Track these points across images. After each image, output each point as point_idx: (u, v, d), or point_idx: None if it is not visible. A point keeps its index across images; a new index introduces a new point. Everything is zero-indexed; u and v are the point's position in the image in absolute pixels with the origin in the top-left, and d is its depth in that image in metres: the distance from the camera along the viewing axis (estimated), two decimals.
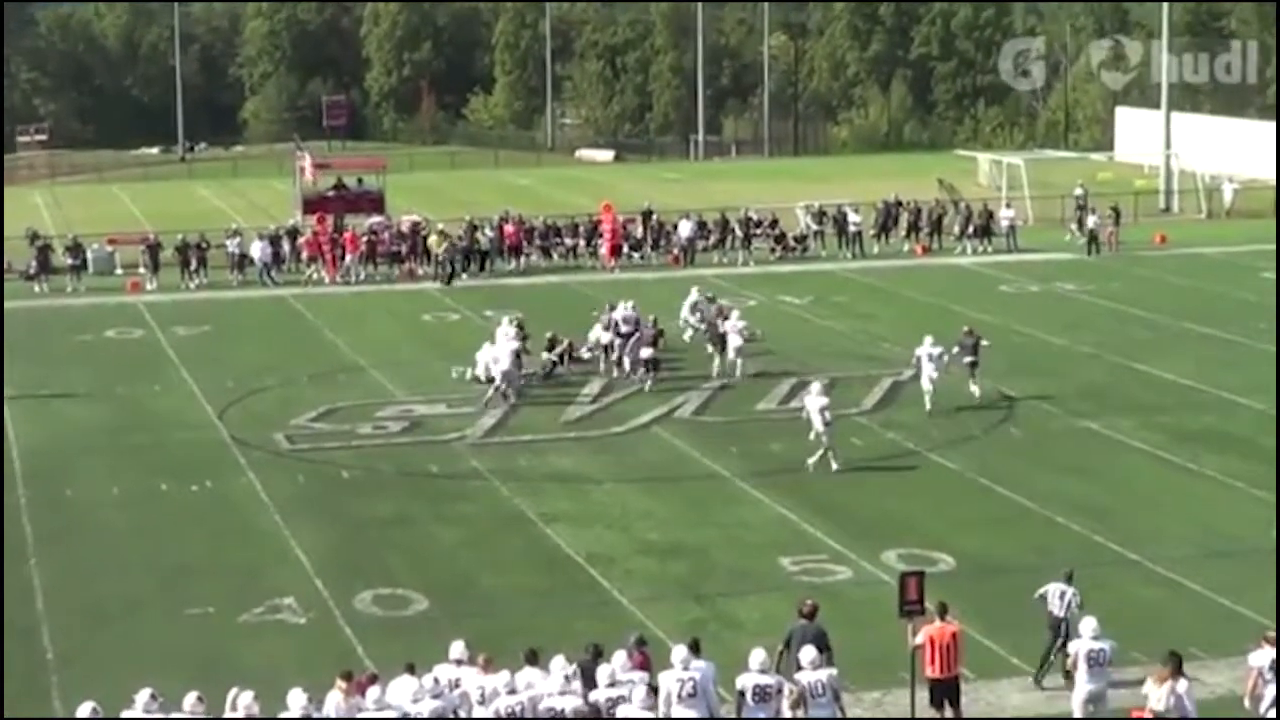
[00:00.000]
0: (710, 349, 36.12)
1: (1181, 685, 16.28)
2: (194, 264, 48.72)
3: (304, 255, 50.21)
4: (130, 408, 33.79)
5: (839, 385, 33.26)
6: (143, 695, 16.07)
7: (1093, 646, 17.53)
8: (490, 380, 33.99)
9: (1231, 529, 24.99)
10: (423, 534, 25.51)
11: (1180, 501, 26.57)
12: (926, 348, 31.84)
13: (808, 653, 16.89)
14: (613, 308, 36.33)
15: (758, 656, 16.76)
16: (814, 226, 54.01)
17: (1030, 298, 45.25)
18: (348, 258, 49.52)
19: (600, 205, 54.75)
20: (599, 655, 17.00)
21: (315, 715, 15.99)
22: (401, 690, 16.34)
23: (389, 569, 23.74)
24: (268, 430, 31.47)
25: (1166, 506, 26.27)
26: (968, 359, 32.55)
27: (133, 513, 26.74)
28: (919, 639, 17.76)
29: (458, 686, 16.63)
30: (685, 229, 52.02)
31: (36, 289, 47.78)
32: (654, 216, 53.59)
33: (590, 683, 16.51)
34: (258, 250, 49.17)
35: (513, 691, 16.33)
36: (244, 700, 16.03)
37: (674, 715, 16.38)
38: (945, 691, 17.76)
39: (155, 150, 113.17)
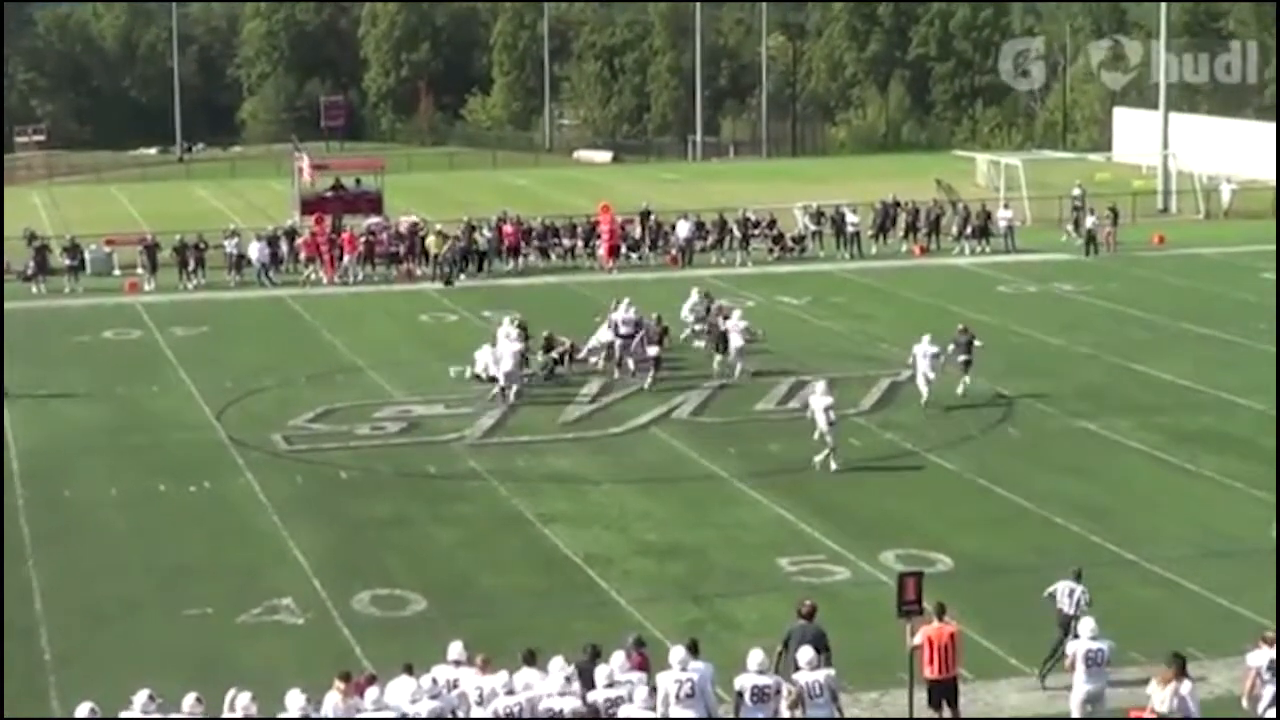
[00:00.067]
0: (702, 345, 36.26)
1: (1185, 687, 16.28)
2: (192, 265, 48.71)
3: (302, 256, 50.20)
4: (128, 408, 33.78)
5: (837, 386, 33.12)
6: (141, 696, 16.06)
7: (1091, 646, 17.53)
8: (491, 379, 34.04)
9: (1230, 529, 25.00)
10: (421, 534, 25.51)
11: (1178, 502, 26.58)
12: (924, 346, 32.02)
13: (805, 653, 16.89)
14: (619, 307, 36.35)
15: (756, 657, 16.75)
16: (812, 227, 54.01)
17: (1028, 298, 45.26)
18: (346, 258, 49.51)
19: (598, 206, 54.74)
20: (597, 656, 16.99)
21: (313, 716, 15.98)
22: (400, 691, 16.34)
23: (387, 569, 23.73)
24: (266, 431, 31.47)
25: (1164, 507, 26.27)
26: (961, 357, 32.70)
27: (131, 513, 26.73)
28: (917, 639, 17.76)
29: (456, 687, 16.62)
30: (683, 229, 52.02)
31: (34, 290, 47.76)
32: (652, 217, 53.59)
33: (588, 683, 16.51)
34: (256, 251, 49.16)
35: (511, 692, 16.33)
36: (242, 701, 16.03)
37: (672, 716, 16.37)
38: (943, 692, 17.75)
39: (153, 151, 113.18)
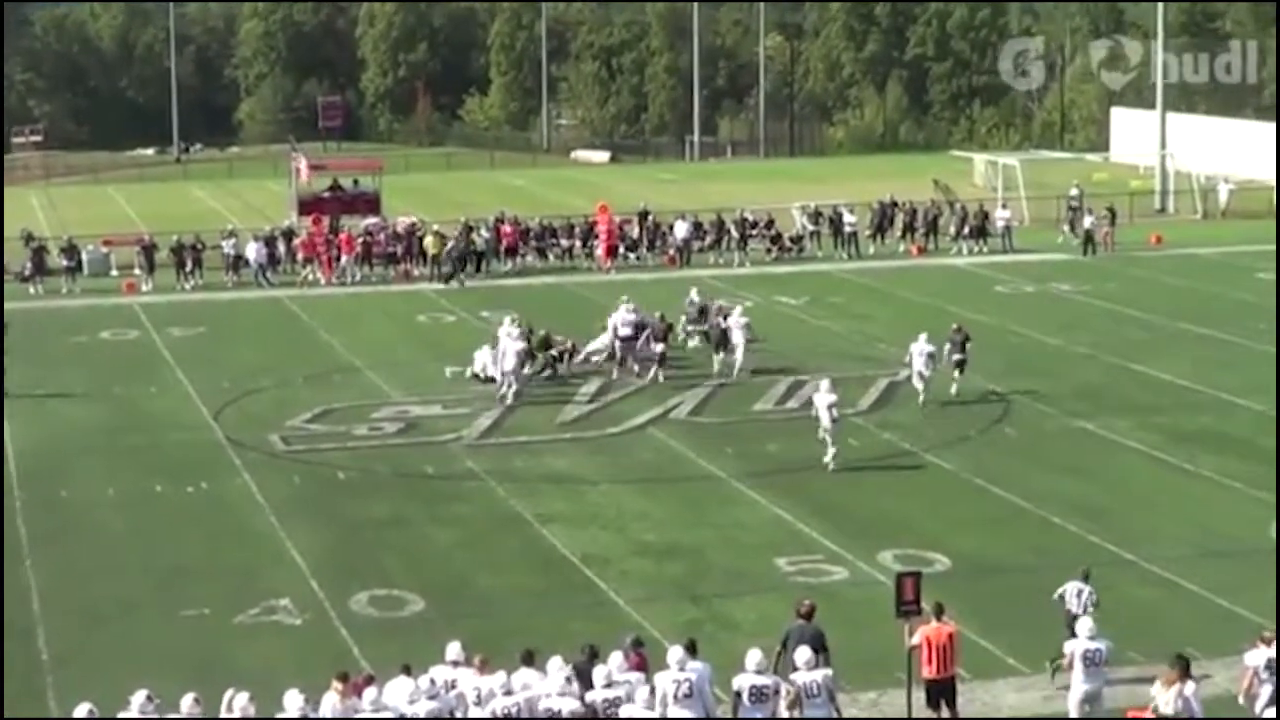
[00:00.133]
0: (695, 344, 36.33)
1: (1189, 688, 16.27)
2: (189, 265, 48.67)
3: (299, 256, 50.16)
4: (126, 409, 33.76)
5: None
6: (139, 696, 16.04)
7: (1089, 646, 17.53)
8: (489, 380, 34.06)
9: (1228, 529, 24.99)
10: (418, 535, 25.49)
11: (1176, 501, 26.57)
12: (921, 345, 32.13)
13: (803, 653, 16.88)
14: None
15: (754, 657, 16.74)
16: (810, 227, 54.01)
17: (1026, 298, 45.26)
18: (343, 259, 49.50)
19: (596, 206, 54.73)
20: (595, 656, 16.99)
21: (311, 716, 15.97)
22: (398, 691, 16.33)
23: (385, 570, 23.72)
24: (263, 431, 31.46)
25: (1163, 506, 26.27)
26: (956, 356, 32.82)
27: (128, 514, 26.72)
28: (915, 639, 17.76)
29: (454, 687, 16.62)
30: (681, 230, 52.00)
31: (31, 290, 47.72)
32: (650, 217, 53.57)
33: (586, 684, 16.50)
34: (253, 251, 49.13)
35: (509, 692, 16.32)
36: (240, 701, 16.01)
37: (670, 716, 16.36)
38: (941, 692, 17.75)
39: (150, 151, 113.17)
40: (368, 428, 31.75)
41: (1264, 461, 27.96)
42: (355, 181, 57.55)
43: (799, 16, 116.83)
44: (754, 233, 52.97)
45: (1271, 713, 16.89)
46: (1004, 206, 55.72)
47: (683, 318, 38.31)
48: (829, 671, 16.97)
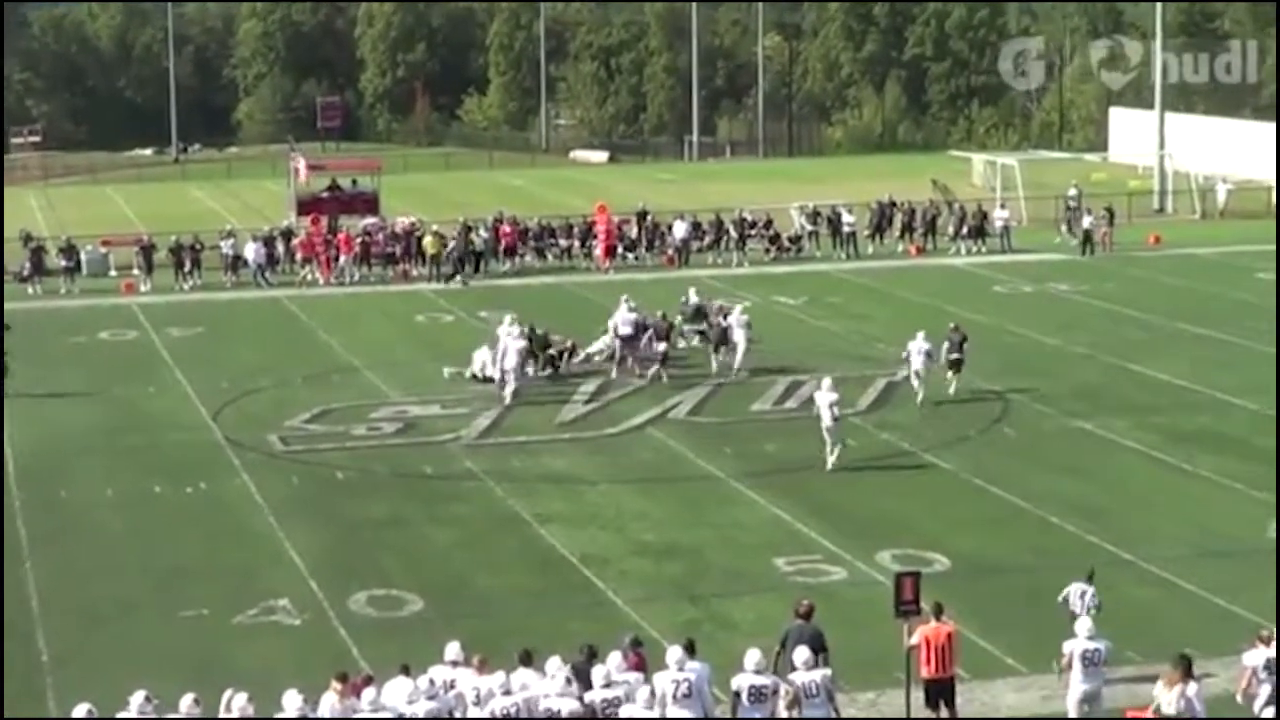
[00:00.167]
0: (691, 344, 36.38)
1: (1192, 688, 16.27)
2: (188, 265, 48.67)
3: (298, 256, 50.16)
4: (124, 409, 33.76)
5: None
6: (137, 697, 16.04)
7: (1087, 646, 17.54)
8: (487, 380, 34.09)
9: (1226, 529, 25.00)
10: (417, 535, 25.50)
11: (1175, 501, 26.58)
12: (919, 342, 32.29)
13: (801, 653, 16.88)
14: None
15: (753, 657, 16.75)
16: (808, 227, 54.03)
17: (1024, 298, 45.28)
18: (342, 259, 49.50)
19: (595, 206, 54.74)
20: (593, 656, 16.99)
21: (310, 717, 15.97)
22: (397, 691, 16.33)
23: (383, 570, 23.73)
24: (262, 431, 31.46)
25: (1161, 506, 26.28)
26: (953, 355, 32.91)
27: (127, 514, 26.72)
28: (914, 639, 17.76)
29: (453, 688, 16.62)
30: (680, 230, 52.01)
31: (30, 291, 47.71)
32: (649, 217, 53.57)
33: (585, 684, 16.50)
34: (252, 251, 49.13)
35: (508, 692, 16.32)
36: (238, 702, 16.01)
37: (669, 716, 16.37)
38: (940, 692, 17.76)
39: (149, 151, 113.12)
40: (366, 428, 31.76)
41: (1262, 461, 27.97)
42: (354, 181, 57.58)
43: (797, 16, 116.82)
44: (753, 233, 52.97)
45: (1270, 712, 16.90)
46: (1002, 206, 55.72)
47: (679, 317, 38.34)
48: (827, 671, 16.98)
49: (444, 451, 30.04)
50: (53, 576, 23.63)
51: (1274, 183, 63.04)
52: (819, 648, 17.30)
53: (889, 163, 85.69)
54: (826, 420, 28.08)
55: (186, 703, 16.02)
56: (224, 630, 21.41)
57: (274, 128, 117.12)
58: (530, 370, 34.22)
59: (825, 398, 28.20)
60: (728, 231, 52.42)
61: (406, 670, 16.65)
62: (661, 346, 34.93)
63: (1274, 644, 17.12)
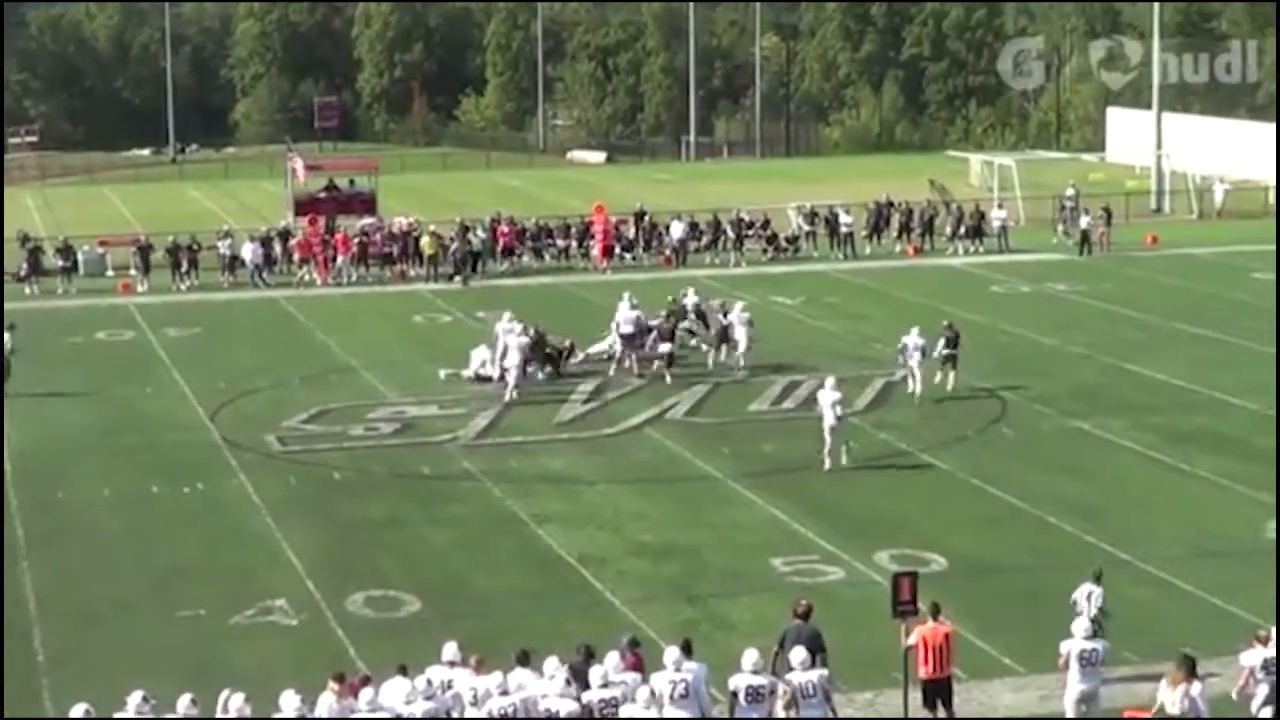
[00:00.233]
0: (696, 343, 36.44)
1: (1195, 688, 16.27)
2: (185, 266, 48.65)
3: (295, 257, 50.14)
4: (122, 409, 33.75)
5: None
6: (135, 697, 16.04)
7: (1085, 646, 17.54)
8: (486, 379, 34.09)
9: (1223, 529, 25.00)
10: (414, 535, 25.49)
11: (1172, 501, 26.59)
12: (913, 338, 32.55)
13: (798, 653, 16.88)
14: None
15: (750, 657, 16.74)
16: (806, 227, 54.04)
17: (1022, 298, 45.29)
18: (339, 259, 49.50)
19: (592, 206, 54.74)
20: (591, 656, 16.99)
21: (308, 717, 15.96)
22: (394, 692, 16.33)
23: (381, 570, 23.72)
24: (259, 432, 31.45)
25: (1158, 506, 26.28)
26: (946, 351, 33.08)
27: (124, 514, 26.70)
28: (912, 640, 17.76)
29: (450, 688, 16.61)
30: (677, 230, 52.02)
31: (27, 291, 47.68)
32: (646, 218, 53.59)
33: (582, 684, 16.50)
34: (249, 252, 49.13)
35: (505, 693, 16.32)
36: (235, 702, 16.00)
37: (666, 716, 16.36)
38: (938, 692, 17.76)
39: (146, 152, 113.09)
40: (364, 428, 31.75)
41: (1260, 461, 27.98)
42: (351, 182, 57.60)
43: (795, 17, 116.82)
44: (750, 233, 52.99)
45: (1268, 712, 16.91)
46: (1000, 207, 55.74)
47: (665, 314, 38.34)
48: (824, 672, 16.97)
49: (441, 452, 30.03)
50: (50, 577, 23.62)
51: (1270, 183, 63.12)
52: (817, 648, 17.29)
53: (886, 163, 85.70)
54: (829, 420, 28.08)
55: (184, 703, 16.00)
56: (221, 630, 21.40)
57: (271, 128, 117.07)
58: (533, 370, 34.22)
59: (828, 397, 28.21)
60: (725, 232, 52.44)
61: (404, 670, 16.64)
62: (665, 347, 34.94)
63: (1271, 644, 17.12)
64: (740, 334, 35.27)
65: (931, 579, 20.64)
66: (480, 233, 51.08)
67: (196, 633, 21.39)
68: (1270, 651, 17.06)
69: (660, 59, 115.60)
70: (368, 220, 53.06)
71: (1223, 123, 76.64)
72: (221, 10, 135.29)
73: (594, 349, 36.54)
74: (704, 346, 36.90)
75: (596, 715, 16.22)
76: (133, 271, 48.81)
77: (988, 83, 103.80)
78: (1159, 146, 66.12)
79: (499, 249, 50.82)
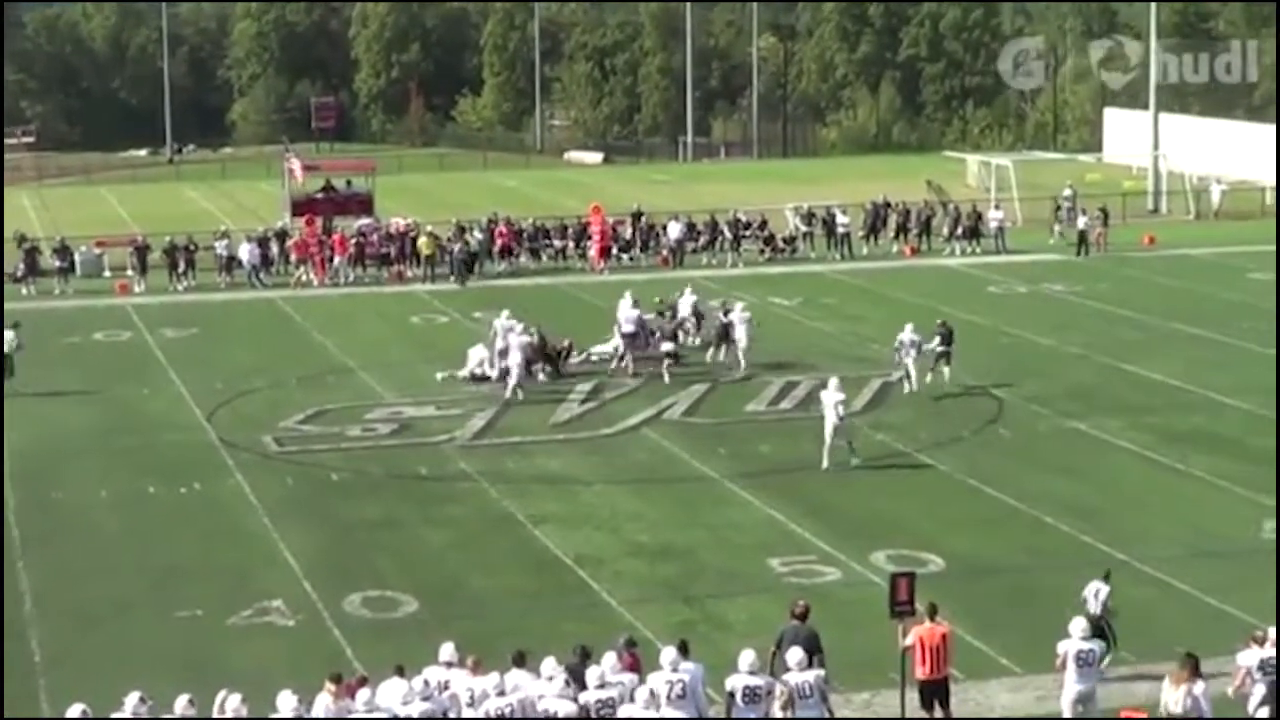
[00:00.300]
0: (697, 341, 36.56)
1: (1198, 687, 16.28)
2: (182, 266, 48.65)
3: (293, 257, 50.16)
4: (119, 410, 33.74)
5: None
6: (132, 698, 16.04)
7: (1082, 646, 17.55)
8: (483, 378, 34.09)
9: (1220, 529, 25.02)
10: (411, 536, 25.49)
11: (1168, 501, 26.61)
12: (907, 334, 32.87)
13: (794, 654, 16.88)
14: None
15: (747, 658, 16.75)
16: (803, 228, 54.05)
17: (1018, 299, 45.31)
18: (336, 260, 49.50)
19: (589, 207, 54.74)
20: (587, 657, 16.99)
21: (305, 717, 15.97)
22: (391, 692, 16.33)
23: (378, 571, 23.72)
24: (256, 432, 31.44)
25: (1155, 507, 26.30)
26: (939, 349, 33.23)
27: (121, 515, 26.70)
28: (909, 640, 17.76)
29: (447, 689, 16.61)
30: (674, 230, 52.04)
31: (24, 291, 47.66)
32: (643, 218, 53.60)
33: (579, 685, 16.50)
34: (246, 252, 49.13)
35: (502, 693, 16.32)
36: (232, 703, 16.00)
37: (663, 717, 16.36)
38: (935, 692, 17.76)
39: (143, 152, 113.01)
40: (361, 429, 31.75)
41: (1256, 461, 28.01)
42: (348, 182, 57.62)
43: (792, 17, 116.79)
44: (747, 234, 53.00)
45: (1264, 712, 16.91)
46: (997, 207, 55.75)
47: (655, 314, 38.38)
48: (821, 672, 16.97)
49: (439, 452, 30.03)
50: (47, 577, 23.62)
51: (1266, 183, 63.16)
52: (814, 649, 17.29)
53: (884, 163, 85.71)
54: (832, 419, 28.10)
55: (181, 703, 16.01)
56: (218, 631, 21.40)
57: (268, 128, 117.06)
58: (535, 368, 34.25)
59: (831, 397, 28.24)
60: (722, 232, 52.45)
61: (401, 671, 16.64)
62: (667, 346, 34.98)
63: (1268, 644, 17.13)
64: (741, 333, 35.35)
65: (929, 579, 20.65)
66: (477, 233, 51.09)
67: (194, 633, 21.39)
68: (1266, 652, 17.07)
69: (657, 59, 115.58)
70: (365, 221, 53.08)
71: (1220, 123, 76.67)
72: (218, 10, 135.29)
73: (597, 349, 36.57)
74: (696, 341, 37.02)
75: (593, 716, 16.22)
76: (130, 272, 48.79)
77: (985, 83, 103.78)
78: (1156, 147, 66.14)
79: (496, 250, 50.82)
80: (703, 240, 52.70)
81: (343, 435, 31.31)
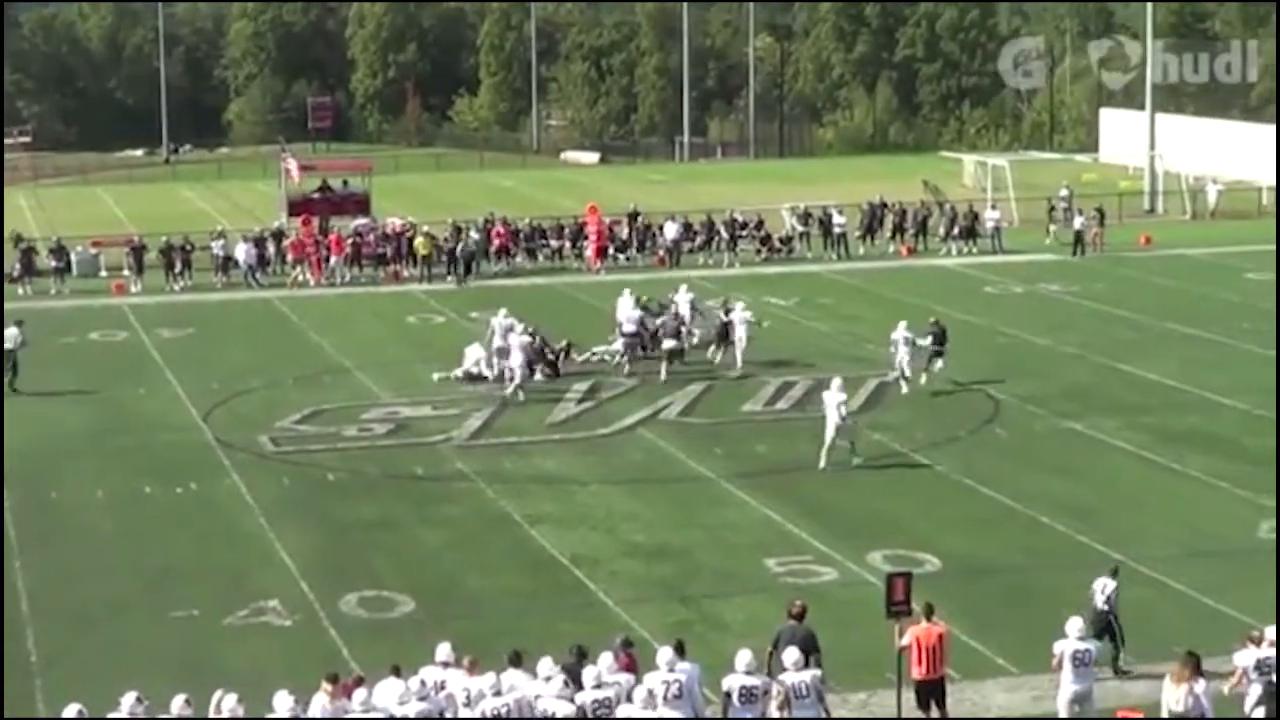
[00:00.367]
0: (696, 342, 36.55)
1: (1200, 685, 16.28)
2: (178, 266, 48.63)
3: (289, 257, 50.17)
4: (115, 410, 33.72)
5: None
6: (128, 698, 16.03)
7: (1078, 646, 17.56)
8: (481, 378, 34.10)
9: (1216, 529, 25.04)
10: (408, 536, 25.49)
11: (1164, 501, 26.62)
12: (901, 332, 33.02)
13: (791, 654, 16.89)
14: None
15: (744, 658, 16.75)
16: (799, 228, 54.07)
17: (1015, 299, 45.32)
18: (333, 260, 49.49)
19: (586, 207, 54.74)
20: (584, 657, 16.99)
21: (301, 717, 15.97)
22: (387, 693, 16.33)
23: (374, 571, 23.71)
24: (252, 432, 31.43)
25: (1151, 506, 26.31)
26: (934, 347, 33.40)
27: (117, 515, 26.69)
28: (905, 640, 17.77)
29: (443, 689, 16.60)
30: (671, 231, 52.05)
31: (20, 291, 47.62)
32: (640, 218, 53.62)
33: (576, 685, 16.50)
34: (243, 252, 49.10)
35: (498, 693, 16.32)
36: (229, 703, 16.00)
37: (659, 716, 16.36)
38: (931, 692, 17.77)
39: (139, 152, 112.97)
40: (357, 429, 31.74)
41: (1251, 461, 28.03)
42: (345, 182, 57.58)
43: (789, 17, 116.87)
44: (744, 234, 53.01)
45: (1261, 712, 16.92)
46: (993, 207, 55.77)
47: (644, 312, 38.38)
48: (817, 672, 16.97)
49: (435, 452, 30.02)
50: (43, 577, 23.60)
51: (1263, 183, 63.19)
52: (810, 649, 17.29)
53: (880, 164, 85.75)
54: (834, 420, 28.10)
55: (177, 704, 16.01)
56: (215, 631, 21.39)
57: (265, 128, 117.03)
58: (535, 368, 34.27)
59: (834, 397, 28.25)
60: (719, 232, 52.45)
61: (397, 671, 16.64)
62: (669, 344, 35.01)
63: (1265, 644, 17.13)
64: (740, 332, 35.37)
65: (925, 579, 20.67)
66: (474, 233, 51.08)
67: (190, 633, 21.38)
68: (1263, 652, 17.08)
69: (654, 59, 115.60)
70: (361, 221, 53.06)
71: (1216, 123, 76.73)
72: (215, 10, 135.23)
73: (599, 349, 36.57)
74: (694, 340, 37.06)
75: (590, 716, 16.22)
76: (126, 272, 48.78)
77: (981, 83, 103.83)
78: (1152, 147, 66.16)
79: (493, 250, 50.82)
80: (699, 240, 52.71)
81: (339, 435, 31.30)
